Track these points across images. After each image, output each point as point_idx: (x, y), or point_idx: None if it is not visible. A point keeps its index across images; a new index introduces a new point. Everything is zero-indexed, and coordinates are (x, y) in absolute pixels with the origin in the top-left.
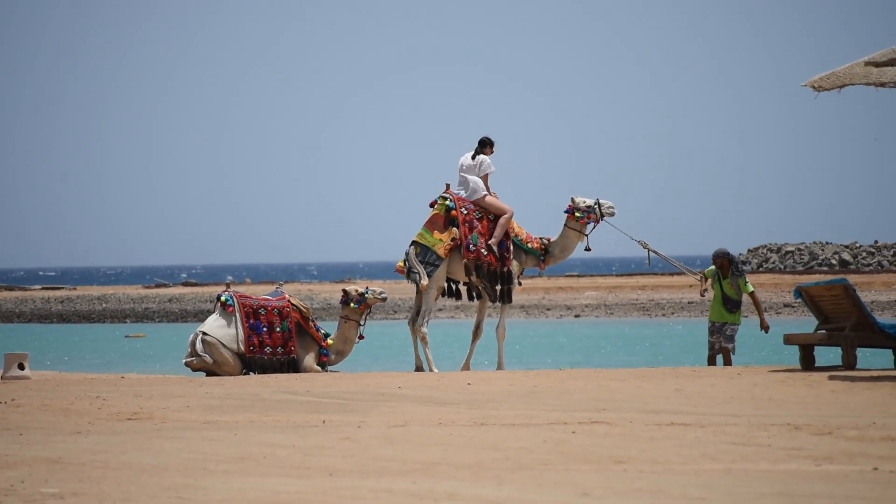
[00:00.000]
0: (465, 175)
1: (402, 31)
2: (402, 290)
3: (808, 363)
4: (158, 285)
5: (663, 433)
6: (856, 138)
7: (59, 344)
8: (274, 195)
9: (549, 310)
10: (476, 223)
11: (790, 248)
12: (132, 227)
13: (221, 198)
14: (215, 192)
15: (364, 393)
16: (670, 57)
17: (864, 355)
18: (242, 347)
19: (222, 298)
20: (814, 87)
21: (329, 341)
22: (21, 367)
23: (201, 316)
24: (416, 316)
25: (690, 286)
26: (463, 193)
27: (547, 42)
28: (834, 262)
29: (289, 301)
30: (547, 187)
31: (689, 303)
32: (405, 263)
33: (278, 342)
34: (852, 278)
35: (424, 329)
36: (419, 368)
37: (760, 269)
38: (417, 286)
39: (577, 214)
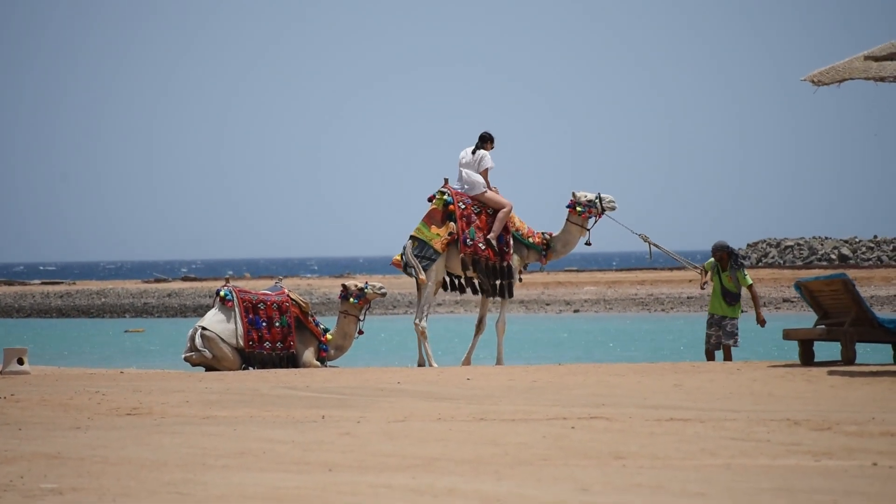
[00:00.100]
0: (465, 170)
1: (402, 30)
2: (402, 286)
3: (807, 358)
4: (158, 280)
5: (663, 428)
6: (855, 133)
7: (58, 339)
8: (274, 191)
9: (548, 305)
10: (474, 218)
11: (790, 243)
12: (132, 221)
13: (221, 193)
14: (215, 188)
15: (363, 388)
16: (670, 53)
17: (863, 350)
18: (242, 342)
19: (221, 293)
20: (813, 81)
21: (328, 336)
22: (20, 361)
23: (201, 311)
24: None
25: (690, 281)
26: (462, 188)
27: (547, 41)
28: (833, 256)
29: (288, 296)
30: (548, 184)
31: (688, 298)
32: (402, 258)
33: (277, 337)
34: (852, 273)
35: (423, 324)
36: (421, 364)
37: (760, 263)
38: (417, 281)
39: (578, 209)
